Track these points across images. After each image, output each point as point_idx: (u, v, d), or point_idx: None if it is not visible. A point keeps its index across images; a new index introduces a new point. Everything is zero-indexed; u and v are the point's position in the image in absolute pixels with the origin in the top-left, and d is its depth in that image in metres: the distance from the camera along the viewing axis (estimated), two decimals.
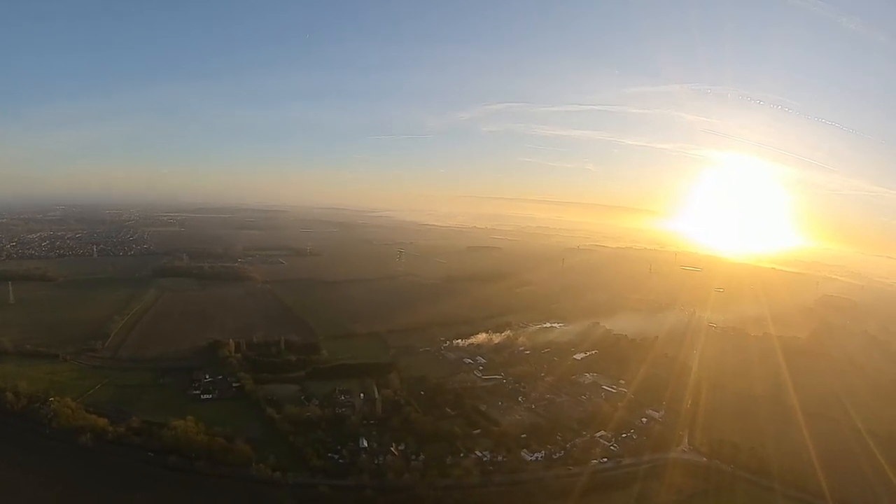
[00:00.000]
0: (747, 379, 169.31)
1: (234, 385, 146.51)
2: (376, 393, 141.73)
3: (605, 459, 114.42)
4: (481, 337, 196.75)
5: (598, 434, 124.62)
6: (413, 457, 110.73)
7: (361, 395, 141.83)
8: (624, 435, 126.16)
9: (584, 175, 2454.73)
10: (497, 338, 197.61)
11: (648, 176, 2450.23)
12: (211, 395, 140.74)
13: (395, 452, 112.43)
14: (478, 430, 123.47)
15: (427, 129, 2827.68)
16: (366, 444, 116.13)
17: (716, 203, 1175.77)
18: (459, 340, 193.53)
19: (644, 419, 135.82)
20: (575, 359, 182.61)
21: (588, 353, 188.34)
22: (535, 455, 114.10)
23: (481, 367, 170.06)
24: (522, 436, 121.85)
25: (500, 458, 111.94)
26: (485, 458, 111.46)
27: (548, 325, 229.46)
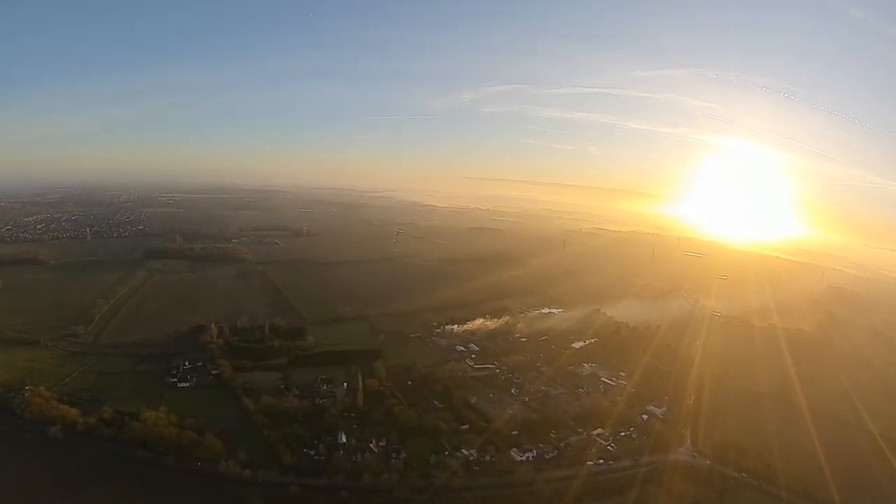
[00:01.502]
0: (752, 373, 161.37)
1: (212, 372, 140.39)
2: (360, 383, 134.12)
3: (602, 461, 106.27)
4: (476, 323, 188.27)
5: (594, 432, 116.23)
6: (394, 455, 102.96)
7: (345, 384, 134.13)
8: (622, 433, 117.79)
9: (587, 158, 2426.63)
10: (492, 324, 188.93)
11: (651, 160, 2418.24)
12: (188, 383, 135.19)
13: (375, 449, 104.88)
14: (465, 426, 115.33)
15: (430, 109, 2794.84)
16: (344, 438, 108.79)
17: (719, 189, 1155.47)
18: (453, 326, 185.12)
19: (644, 416, 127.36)
20: (573, 347, 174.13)
21: (587, 342, 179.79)
22: (526, 455, 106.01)
23: (474, 356, 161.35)
24: (514, 432, 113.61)
25: (487, 457, 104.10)
26: (471, 458, 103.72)
27: (546, 310, 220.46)
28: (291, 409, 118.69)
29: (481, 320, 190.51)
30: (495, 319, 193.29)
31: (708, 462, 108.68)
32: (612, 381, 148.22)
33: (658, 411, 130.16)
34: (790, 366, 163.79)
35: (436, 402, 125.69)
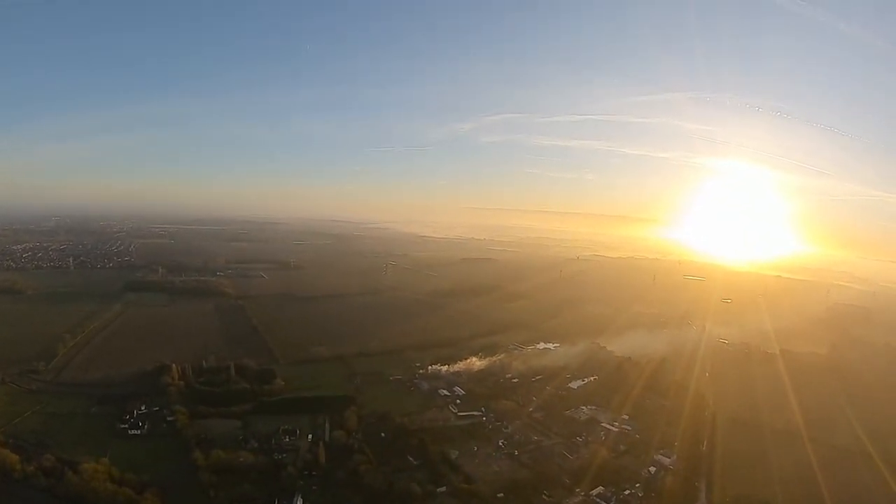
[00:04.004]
0: (769, 408, 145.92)
1: (168, 419, 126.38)
2: (327, 434, 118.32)
3: None
4: (464, 362, 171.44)
5: (594, 491, 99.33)
6: None
7: (309, 436, 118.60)
8: (627, 491, 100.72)
9: (584, 185, 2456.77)
10: (481, 363, 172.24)
11: (649, 185, 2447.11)
12: (139, 431, 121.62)
13: None
14: (443, 488, 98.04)
15: (427, 140, 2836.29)
16: (300, 503, 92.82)
17: (716, 211, 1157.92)
18: (438, 366, 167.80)
19: (652, 468, 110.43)
20: (570, 388, 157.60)
21: (586, 381, 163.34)
22: None
23: (458, 401, 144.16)
24: (499, 495, 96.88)
25: None
26: None
27: (542, 346, 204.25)
28: (245, 465, 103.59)
29: (468, 359, 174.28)
30: (485, 358, 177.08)
31: None
32: (613, 426, 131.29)
33: (667, 461, 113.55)
34: (810, 397, 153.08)
35: (410, 459, 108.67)
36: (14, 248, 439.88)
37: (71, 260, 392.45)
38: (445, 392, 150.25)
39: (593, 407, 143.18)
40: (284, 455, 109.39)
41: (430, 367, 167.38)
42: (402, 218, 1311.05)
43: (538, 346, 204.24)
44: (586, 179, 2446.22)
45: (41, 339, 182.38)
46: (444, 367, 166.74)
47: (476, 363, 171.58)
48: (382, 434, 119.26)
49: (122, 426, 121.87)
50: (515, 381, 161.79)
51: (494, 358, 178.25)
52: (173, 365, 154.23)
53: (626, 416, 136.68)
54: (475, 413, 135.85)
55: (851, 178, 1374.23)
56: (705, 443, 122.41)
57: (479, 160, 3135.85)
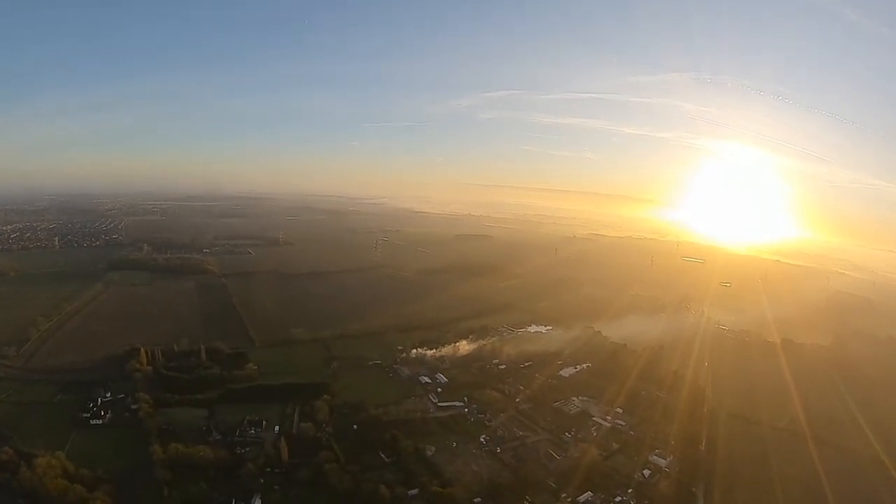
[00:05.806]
0: (771, 404, 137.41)
1: (132, 407, 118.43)
2: (295, 426, 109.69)
3: None
4: (449, 346, 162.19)
5: (581, 497, 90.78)
6: None
7: (276, 428, 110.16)
8: (618, 498, 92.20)
9: (583, 163, 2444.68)
10: (468, 347, 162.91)
11: (648, 165, 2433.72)
12: (101, 421, 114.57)
13: None
14: (415, 490, 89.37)
15: (426, 116, 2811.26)
16: None
17: (715, 192, 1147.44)
18: (422, 350, 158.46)
19: (646, 471, 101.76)
20: (562, 376, 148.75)
21: (578, 368, 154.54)
22: None
23: (440, 390, 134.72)
24: (476, 500, 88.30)
25: None
26: None
27: (533, 329, 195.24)
28: (204, 461, 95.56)
29: (456, 343, 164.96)
30: (472, 342, 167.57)
31: None
32: (606, 420, 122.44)
33: (663, 462, 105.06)
34: (813, 392, 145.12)
35: (382, 456, 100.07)
36: (3, 228, 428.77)
37: (57, 240, 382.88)
38: (427, 379, 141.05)
39: (585, 398, 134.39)
40: (247, 449, 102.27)
41: (413, 351, 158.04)
42: (399, 193, 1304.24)
43: (530, 329, 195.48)
44: (585, 158, 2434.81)
45: (15, 322, 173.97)
46: (429, 352, 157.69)
47: (463, 347, 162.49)
48: (355, 426, 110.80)
49: (85, 415, 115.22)
50: (503, 367, 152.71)
51: (483, 342, 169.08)
52: (143, 349, 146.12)
53: (620, 410, 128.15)
54: (457, 404, 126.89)
55: (851, 165, 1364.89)
56: (704, 442, 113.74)
57: (477, 136, 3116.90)
